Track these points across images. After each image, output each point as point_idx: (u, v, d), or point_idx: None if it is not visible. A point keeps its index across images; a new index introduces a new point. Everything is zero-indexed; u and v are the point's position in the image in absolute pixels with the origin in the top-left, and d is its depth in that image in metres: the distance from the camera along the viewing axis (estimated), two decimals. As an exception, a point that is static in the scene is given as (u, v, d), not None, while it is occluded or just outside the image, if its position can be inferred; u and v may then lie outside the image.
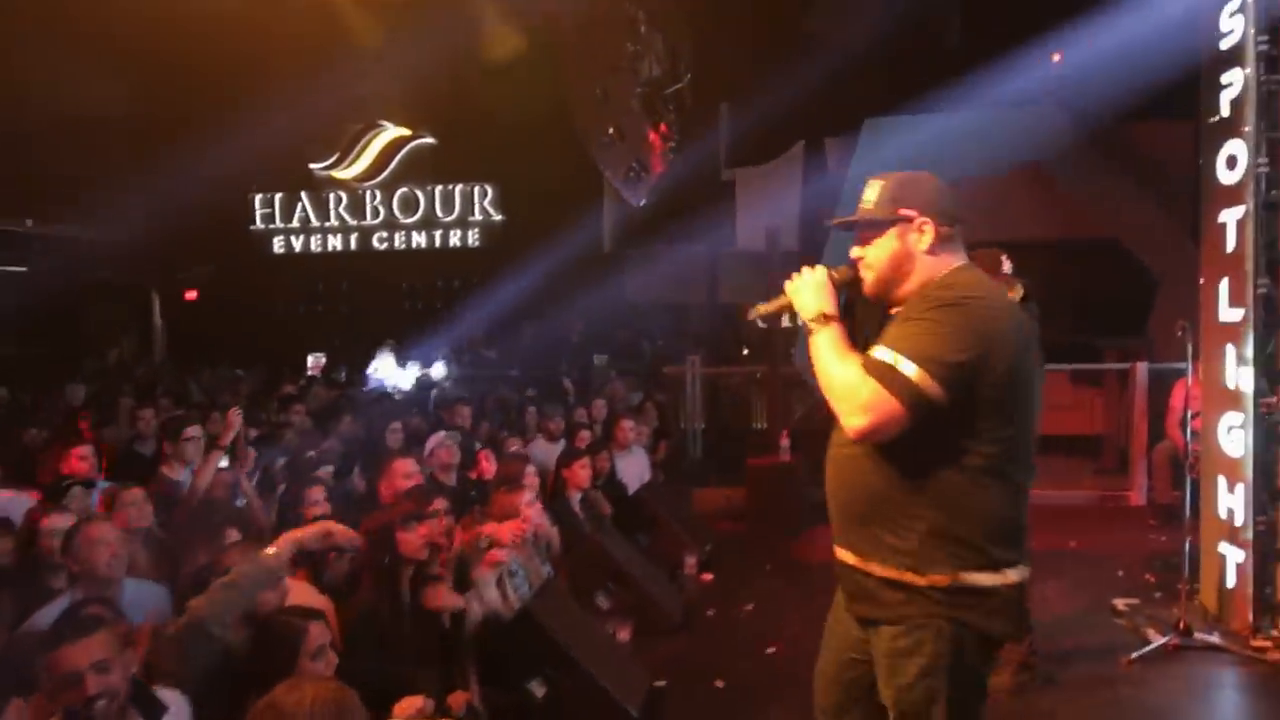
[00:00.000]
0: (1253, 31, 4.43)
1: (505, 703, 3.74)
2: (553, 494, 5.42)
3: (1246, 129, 4.48)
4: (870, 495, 2.11)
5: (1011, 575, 2.07)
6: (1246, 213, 4.48)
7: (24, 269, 13.54)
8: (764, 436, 7.75)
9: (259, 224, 15.69)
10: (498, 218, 15.03)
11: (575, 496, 5.38)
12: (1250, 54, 4.45)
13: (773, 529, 6.85)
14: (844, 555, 2.20)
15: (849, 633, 2.28)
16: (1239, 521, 4.63)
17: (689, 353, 9.67)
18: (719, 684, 4.22)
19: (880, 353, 2.02)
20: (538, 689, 3.70)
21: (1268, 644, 4.46)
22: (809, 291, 2.17)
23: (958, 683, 2.08)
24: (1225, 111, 4.65)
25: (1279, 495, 4.63)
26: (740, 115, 11.04)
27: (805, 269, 2.22)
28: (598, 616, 4.74)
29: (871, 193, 2.19)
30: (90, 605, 2.62)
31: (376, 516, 3.44)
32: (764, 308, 2.31)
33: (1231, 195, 4.61)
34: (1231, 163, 4.59)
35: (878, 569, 2.10)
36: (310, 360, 14.28)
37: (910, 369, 1.97)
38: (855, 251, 2.22)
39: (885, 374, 1.99)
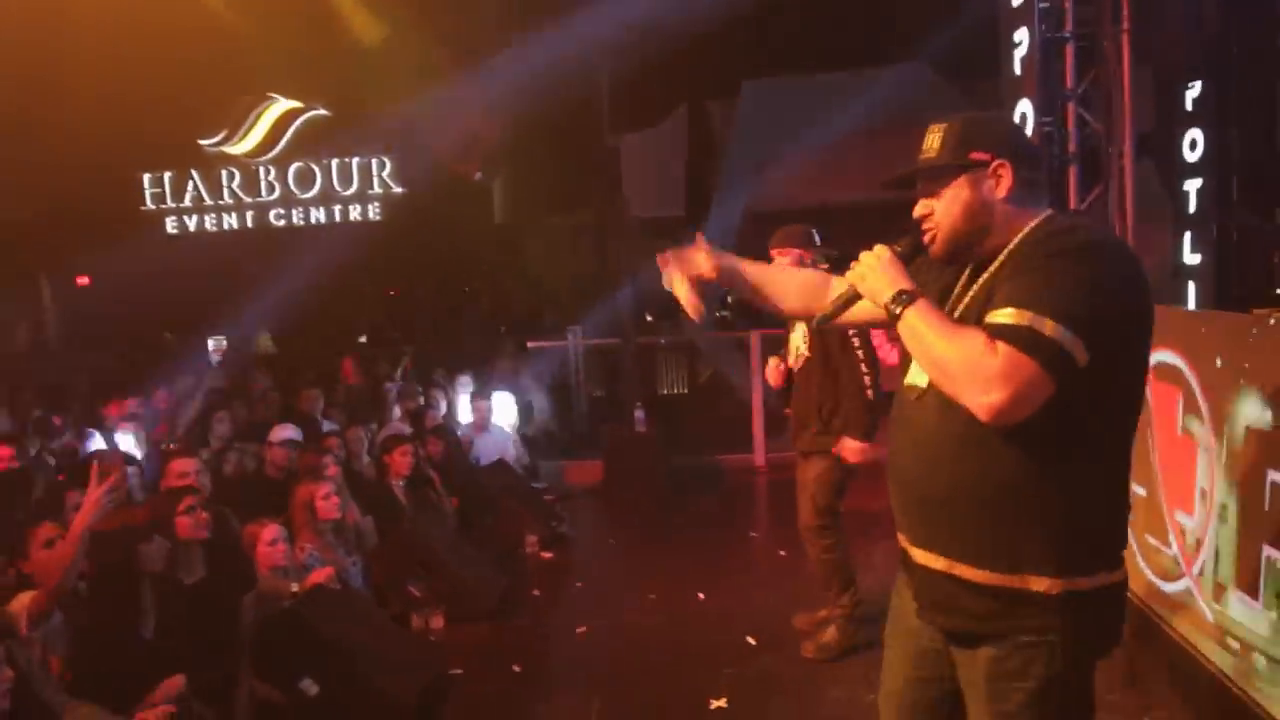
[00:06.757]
0: (1034, -11, 4.41)
1: (279, 700, 3.69)
2: (376, 481, 5.33)
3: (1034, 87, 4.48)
4: (976, 485, 1.74)
5: (1119, 573, 1.79)
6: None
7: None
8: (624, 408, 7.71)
9: (150, 204, 15.19)
10: (398, 190, 14.70)
11: (397, 483, 5.29)
12: (1035, 11, 4.43)
13: (628, 501, 6.84)
14: (924, 558, 1.84)
15: (915, 646, 1.96)
16: None
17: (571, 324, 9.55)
18: (516, 669, 4.20)
19: (1000, 315, 1.64)
20: (310, 688, 3.64)
21: None
22: (877, 274, 1.81)
23: (1068, 709, 1.78)
24: (1018, 70, 4.64)
25: None
26: (621, 80, 10.83)
27: (863, 253, 1.85)
28: (411, 604, 4.69)
29: (933, 139, 1.81)
30: None
31: (117, 518, 3.32)
32: (827, 308, 1.97)
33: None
34: (1022, 121, 4.59)
35: (974, 574, 1.75)
36: (210, 344, 13.95)
37: (1046, 325, 1.59)
38: (920, 209, 1.84)
39: (1019, 335, 1.59)
